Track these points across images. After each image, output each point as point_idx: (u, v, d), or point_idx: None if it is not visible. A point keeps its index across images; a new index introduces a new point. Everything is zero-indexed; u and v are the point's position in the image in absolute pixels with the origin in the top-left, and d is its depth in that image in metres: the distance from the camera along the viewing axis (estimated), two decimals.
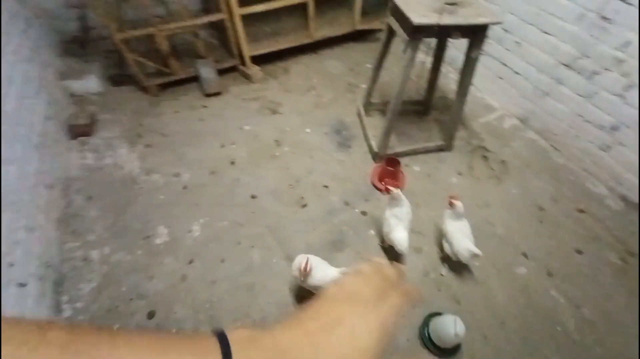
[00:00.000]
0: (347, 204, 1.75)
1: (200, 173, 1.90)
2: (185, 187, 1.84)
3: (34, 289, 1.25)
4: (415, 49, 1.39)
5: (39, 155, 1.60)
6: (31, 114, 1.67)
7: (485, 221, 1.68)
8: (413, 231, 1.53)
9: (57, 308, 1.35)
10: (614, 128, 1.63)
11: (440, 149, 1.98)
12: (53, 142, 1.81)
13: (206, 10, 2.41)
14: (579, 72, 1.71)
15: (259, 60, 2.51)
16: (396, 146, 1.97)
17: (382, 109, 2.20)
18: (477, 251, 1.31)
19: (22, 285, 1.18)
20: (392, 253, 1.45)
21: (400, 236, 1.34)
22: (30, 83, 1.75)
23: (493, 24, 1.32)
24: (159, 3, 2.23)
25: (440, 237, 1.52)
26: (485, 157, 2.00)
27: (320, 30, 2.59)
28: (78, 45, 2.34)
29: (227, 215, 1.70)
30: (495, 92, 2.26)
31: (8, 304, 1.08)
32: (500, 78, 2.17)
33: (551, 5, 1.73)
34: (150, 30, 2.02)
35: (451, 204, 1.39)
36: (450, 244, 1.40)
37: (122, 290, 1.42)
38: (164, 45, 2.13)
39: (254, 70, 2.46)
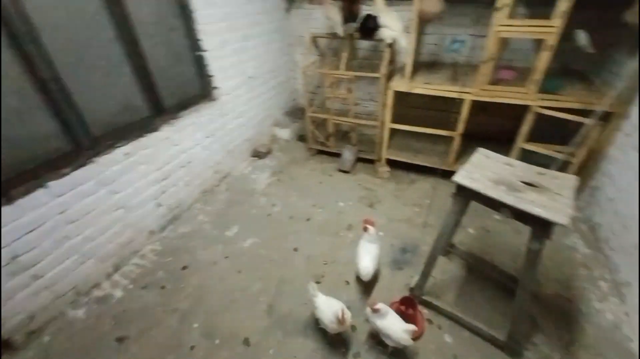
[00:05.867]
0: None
1: (285, 212, 2.46)
2: (269, 215, 2.45)
3: None
4: (457, 206, 1.34)
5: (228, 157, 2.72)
6: (245, 132, 2.85)
7: None
8: None
9: None
10: None
11: (496, 345, 1.52)
12: (239, 154, 2.95)
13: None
14: None
15: (395, 164, 2.87)
16: (444, 303, 1.70)
17: (465, 258, 1.97)
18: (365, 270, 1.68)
19: None
20: None
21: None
22: (260, 116, 3.00)
23: (552, 222, 1.08)
24: (346, 104, 3.11)
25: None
26: None
27: (460, 163, 2.63)
28: (293, 113, 3.65)
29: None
30: None
31: None
32: None
33: None
34: (326, 116, 2.90)
35: (365, 229, 1.78)
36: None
37: None
38: (330, 128, 2.96)
39: (383, 169, 2.84)
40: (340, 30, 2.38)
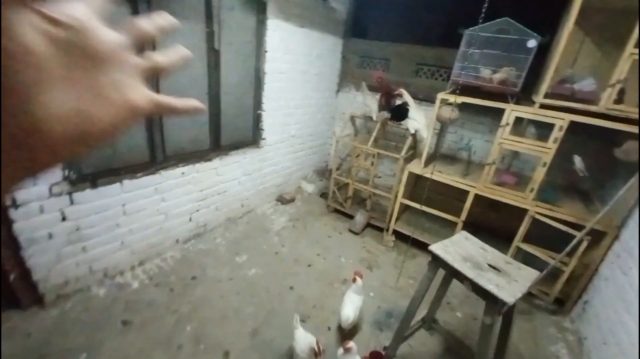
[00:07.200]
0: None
1: (291, 254, 2.74)
2: (276, 253, 2.74)
3: None
4: (431, 272, 1.57)
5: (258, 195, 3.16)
6: (276, 179, 3.32)
7: None
8: None
9: None
10: None
11: None
12: (265, 196, 3.38)
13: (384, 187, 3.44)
14: None
15: (401, 236, 3.10)
16: None
17: (446, 336, 2.05)
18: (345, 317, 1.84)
19: None
20: None
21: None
22: (292, 168, 3.49)
23: (502, 301, 1.27)
24: (368, 174, 3.53)
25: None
26: None
27: None
28: (321, 172, 4.12)
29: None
30: None
31: None
32: None
33: None
34: (349, 181, 3.31)
35: (354, 280, 1.95)
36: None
37: None
38: (349, 192, 3.34)
39: (389, 238, 3.08)
40: (374, 116, 2.92)
